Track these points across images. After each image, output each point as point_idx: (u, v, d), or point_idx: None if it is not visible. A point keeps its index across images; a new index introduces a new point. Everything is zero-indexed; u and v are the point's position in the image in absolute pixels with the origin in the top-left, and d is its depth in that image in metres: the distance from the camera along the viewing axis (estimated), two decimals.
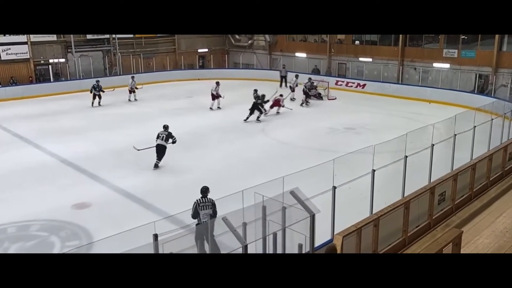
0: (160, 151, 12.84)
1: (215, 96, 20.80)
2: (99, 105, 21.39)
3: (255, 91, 19.54)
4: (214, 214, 7.64)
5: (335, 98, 23.18)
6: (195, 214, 7.73)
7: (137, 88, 22.88)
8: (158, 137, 12.96)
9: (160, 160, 12.83)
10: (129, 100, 22.63)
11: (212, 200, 7.81)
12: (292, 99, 22.76)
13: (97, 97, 21.34)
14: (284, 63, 28.53)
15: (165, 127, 13.19)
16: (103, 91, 21.48)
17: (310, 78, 22.76)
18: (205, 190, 7.94)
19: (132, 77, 23.15)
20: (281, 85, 26.27)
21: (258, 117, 18.66)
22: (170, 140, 12.92)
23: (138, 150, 12.98)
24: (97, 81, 21.63)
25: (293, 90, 23.04)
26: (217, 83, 21.07)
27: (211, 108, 20.74)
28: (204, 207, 7.73)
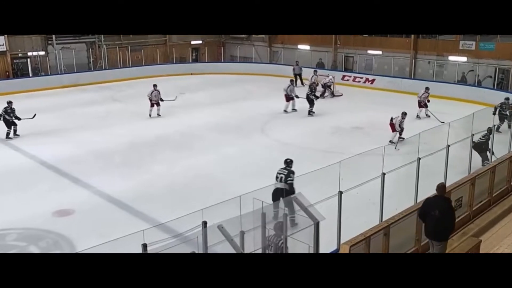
0: (280, 197, 8.88)
1: (289, 97, 19.90)
2: (8, 137, 16.09)
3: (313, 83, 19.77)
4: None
5: (341, 95, 23.20)
6: None
7: (162, 100, 19.15)
8: (276, 177, 9.58)
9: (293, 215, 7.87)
10: (149, 115, 18.96)
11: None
12: (321, 96, 22.08)
13: (5, 124, 16.14)
14: (297, 59, 27.80)
15: (286, 162, 9.78)
16: (18, 118, 16.28)
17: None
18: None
19: (155, 86, 19.22)
20: (296, 84, 24.94)
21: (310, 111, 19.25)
22: (290, 179, 9.40)
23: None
24: (9, 103, 16.32)
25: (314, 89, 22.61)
26: (292, 82, 20.41)
27: (285, 111, 19.76)
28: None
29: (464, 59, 23.44)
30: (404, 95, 22.90)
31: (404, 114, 15.82)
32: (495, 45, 22.67)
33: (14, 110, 16.26)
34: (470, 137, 11.02)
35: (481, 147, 12.02)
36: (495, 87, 22.11)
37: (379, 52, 26.45)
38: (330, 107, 20.98)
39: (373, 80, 25.51)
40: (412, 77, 25.06)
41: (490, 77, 22.81)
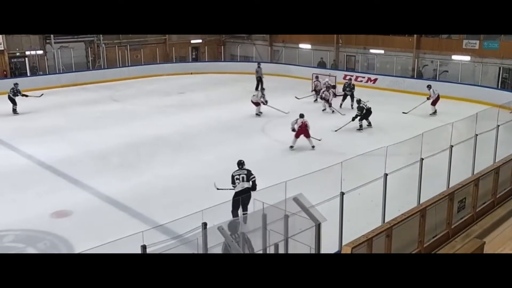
0: (248, 198, 9.45)
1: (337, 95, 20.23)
2: (15, 112, 19.56)
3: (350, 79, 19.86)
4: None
5: (342, 95, 23.13)
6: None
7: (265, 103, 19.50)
8: (235, 179, 9.89)
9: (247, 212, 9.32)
10: (256, 115, 19.26)
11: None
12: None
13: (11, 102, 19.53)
14: (259, 61, 26.88)
15: (242, 164, 10.27)
16: (25, 95, 19.84)
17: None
18: (235, 226, 7.36)
19: (262, 90, 19.70)
20: (257, 88, 24.19)
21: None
22: (250, 182, 9.82)
23: (218, 189, 10.20)
24: (15, 84, 19.90)
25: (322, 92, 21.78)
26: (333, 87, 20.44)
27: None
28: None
29: (467, 58, 23.42)
30: (406, 95, 22.88)
31: None
32: (499, 44, 22.66)
33: (19, 91, 19.73)
34: (474, 137, 11.01)
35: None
36: (499, 87, 22.10)
37: (381, 51, 26.42)
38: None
39: (375, 80, 25.48)
40: (415, 76, 25.04)
41: (447, 71, 23.84)
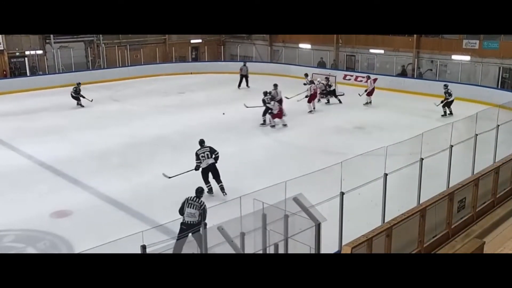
0: (215, 170, 11.36)
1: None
2: (81, 106, 21.00)
3: (275, 85, 19.17)
4: (202, 218, 8.25)
5: (343, 94, 23.15)
6: (181, 210, 8.28)
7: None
8: (201, 157, 11.42)
9: (222, 182, 11.34)
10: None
11: (202, 202, 8.26)
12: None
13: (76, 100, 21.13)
14: (245, 59, 27.07)
15: (203, 141, 11.77)
16: (82, 96, 21.03)
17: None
18: (200, 191, 8.54)
19: (275, 85, 19.73)
20: (239, 86, 24.97)
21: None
22: (213, 156, 11.39)
23: (170, 177, 11.68)
24: (78, 84, 21.32)
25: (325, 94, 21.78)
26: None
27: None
28: (191, 206, 8.20)
29: (467, 58, 23.41)
30: (406, 95, 22.88)
31: None
32: (499, 44, 22.64)
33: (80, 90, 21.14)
34: (474, 137, 11.01)
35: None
36: (499, 87, 22.09)
37: (382, 51, 26.41)
38: (331, 107, 21.00)
39: (375, 79, 25.44)
40: (415, 76, 25.03)
41: (431, 70, 24.25)
